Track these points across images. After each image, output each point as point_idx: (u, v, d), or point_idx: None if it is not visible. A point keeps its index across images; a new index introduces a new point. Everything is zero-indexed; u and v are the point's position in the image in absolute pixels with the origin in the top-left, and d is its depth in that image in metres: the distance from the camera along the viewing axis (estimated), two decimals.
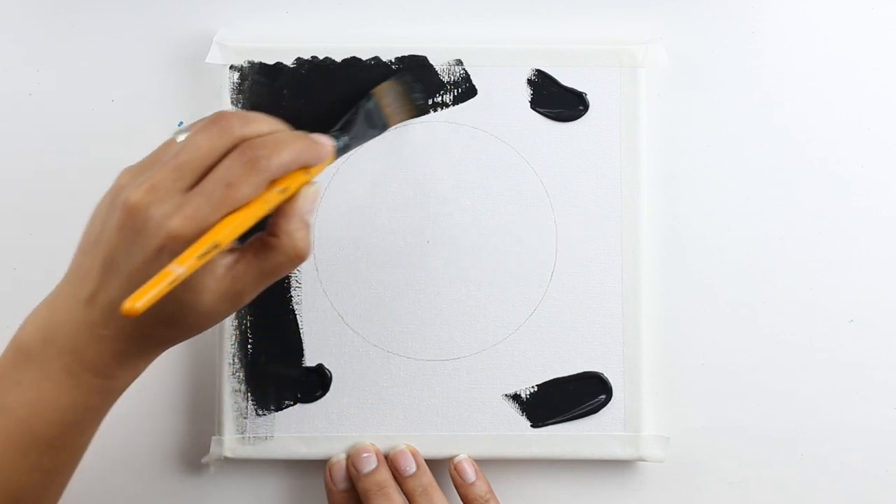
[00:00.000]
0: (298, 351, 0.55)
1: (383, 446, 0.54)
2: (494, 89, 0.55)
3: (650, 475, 0.56)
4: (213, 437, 0.54)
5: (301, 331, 0.55)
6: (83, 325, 0.42)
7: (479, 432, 0.54)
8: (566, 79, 0.55)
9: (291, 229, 0.43)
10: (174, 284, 0.39)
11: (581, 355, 0.55)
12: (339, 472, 0.53)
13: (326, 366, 0.55)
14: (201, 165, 0.41)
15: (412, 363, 0.55)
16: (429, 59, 0.56)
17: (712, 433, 0.56)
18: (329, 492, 0.53)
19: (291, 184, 0.43)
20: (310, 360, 0.55)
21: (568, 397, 0.54)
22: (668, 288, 0.56)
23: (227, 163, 0.41)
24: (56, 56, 0.57)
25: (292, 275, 0.55)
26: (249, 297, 0.43)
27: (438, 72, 0.55)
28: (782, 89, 0.57)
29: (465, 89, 0.55)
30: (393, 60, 0.55)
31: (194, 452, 0.55)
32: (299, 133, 0.44)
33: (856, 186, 0.57)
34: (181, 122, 0.57)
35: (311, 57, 0.55)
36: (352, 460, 0.53)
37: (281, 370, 0.54)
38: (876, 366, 0.56)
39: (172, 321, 0.42)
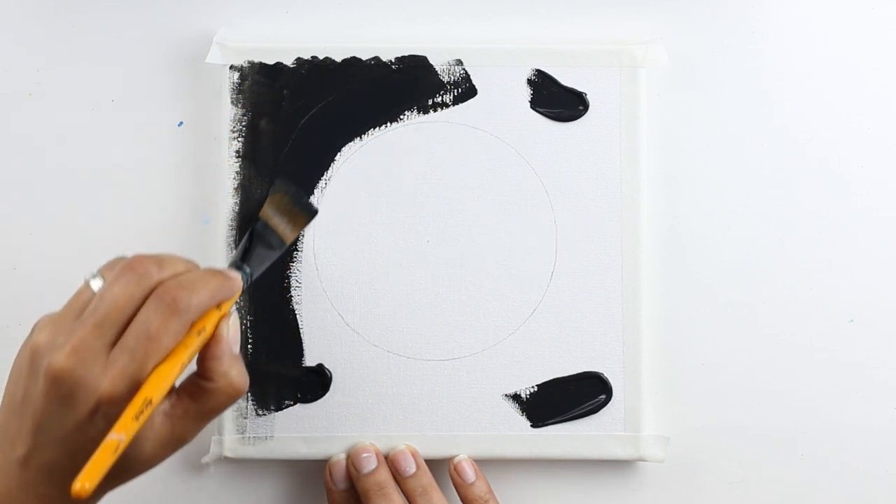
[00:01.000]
0: (298, 351, 0.55)
1: (383, 446, 0.54)
2: (494, 89, 0.55)
3: (650, 475, 0.56)
4: (213, 437, 0.54)
5: (301, 331, 0.55)
6: (20, 485, 0.41)
7: (479, 432, 0.54)
8: (566, 79, 0.55)
9: (224, 370, 0.43)
10: (119, 453, 0.39)
11: (581, 355, 0.55)
12: (339, 472, 0.53)
13: (326, 366, 0.55)
14: (121, 318, 0.41)
15: (412, 363, 0.55)
16: (429, 59, 0.56)
17: (712, 433, 0.56)
18: (329, 491, 0.53)
19: (208, 323, 0.43)
20: (310, 360, 0.55)
21: (568, 397, 0.54)
22: (668, 288, 0.56)
23: (146, 312, 0.41)
24: (56, 56, 0.57)
25: (292, 275, 0.55)
26: (192, 438, 0.44)
27: (438, 72, 0.55)
28: (782, 89, 0.57)
29: (465, 89, 0.55)
30: (393, 60, 0.55)
31: (194, 452, 0.55)
32: (210, 270, 0.44)
33: (856, 186, 0.57)
34: (181, 122, 0.57)
35: (311, 57, 0.55)
36: (352, 460, 0.53)
37: (281, 370, 0.54)
38: (876, 366, 0.56)
39: (115, 473, 0.41)
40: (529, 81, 0.55)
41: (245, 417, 0.54)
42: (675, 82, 0.57)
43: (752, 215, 0.57)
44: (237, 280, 0.46)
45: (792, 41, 0.57)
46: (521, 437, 0.54)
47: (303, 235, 0.55)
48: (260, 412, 0.54)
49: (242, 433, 0.54)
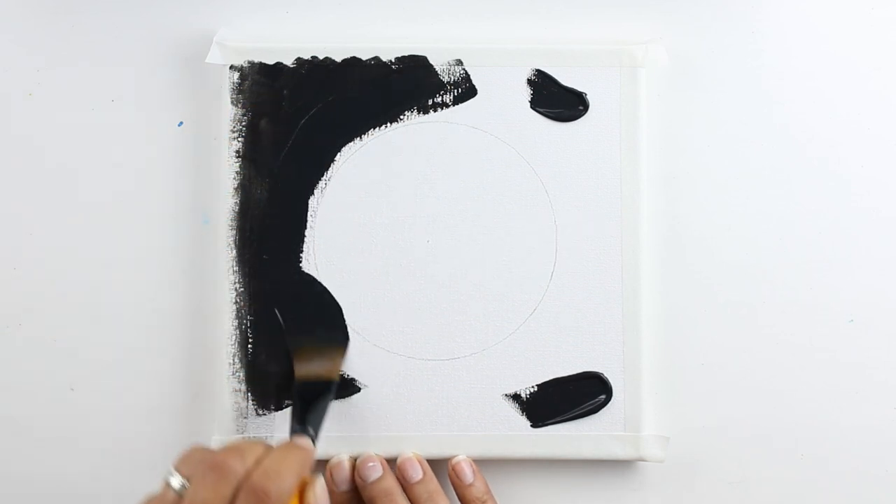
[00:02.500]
0: None
1: (383, 446, 0.54)
2: (494, 89, 0.55)
3: (650, 475, 0.56)
4: (214, 437, 0.54)
5: None
6: None
7: (479, 432, 0.54)
8: (566, 79, 0.56)
9: None
10: None
11: (581, 355, 0.55)
12: (341, 474, 0.53)
13: None
14: None
15: (412, 363, 0.55)
16: (429, 59, 0.56)
17: (712, 433, 0.56)
18: (329, 493, 0.53)
19: (294, 500, 0.44)
20: None
21: (568, 397, 0.55)
22: (668, 288, 0.56)
23: None
24: (56, 56, 0.57)
25: None
26: None
27: (438, 72, 0.55)
28: (782, 89, 0.57)
29: (465, 89, 0.56)
30: (393, 60, 0.55)
31: None
32: (286, 448, 0.45)
33: (856, 186, 0.57)
34: (181, 122, 0.57)
35: (311, 57, 0.55)
36: (358, 471, 0.53)
37: (281, 370, 0.54)
38: (876, 366, 0.56)
39: None
40: (529, 81, 0.55)
41: (245, 417, 0.54)
42: (675, 82, 0.57)
43: (752, 215, 0.57)
44: (313, 449, 0.46)
45: (792, 41, 0.57)
46: (521, 437, 0.54)
47: (304, 239, 0.55)
48: (260, 412, 0.54)
49: (242, 433, 0.54)
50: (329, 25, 0.57)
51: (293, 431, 0.49)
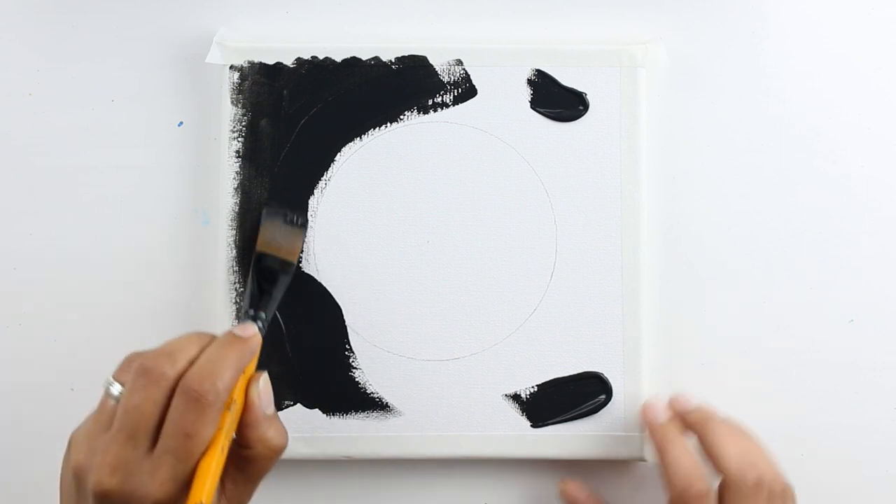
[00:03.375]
0: None
1: (382, 447, 0.54)
2: (494, 89, 0.55)
3: (650, 475, 0.56)
4: None
5: None
6: None
7: (479, 432, 0.54)
8: (566, 79, 0.55)
9: (260, 435, 0.44)
10: None
11: (581, 355, 0.55)
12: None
13: None
14: (150, 424, 0.41)
15: (412, 363, 0.55)
16: (429, 59, 0.56)
17: None
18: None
19: (236, 394, 0.43)
20: None
21: (568, 397, 0.54)
22: (668, 288, 0.56)
23: (175, 412, 0.41)
24: (56, 56, 0.57)
25: None
26: (249, 500, 0.44)
27: (438, 72, 0.55)
28: (782, 89, 0.57)
29: (465, 89, 0.55)
30: (393, 60, 0.55)
31: None
32: (224, 340, 0.44)
33: (856, 186, 0.57)
34: (181, 122, 0.57)
35: (311, 57, 0.55)
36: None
37: (281, 370, 0.54)
38: (876, 366, 0.56)
39: None
40: (529, 81, 0.55)
41: None
42: (675, 82, 0.57)
43: (752, 215, 0.57)
44: (255, 338, 0.45)
45: (792, 41, 0.57)
46: (521, 437, 0.54)
47: (305, 241, 0.55)
48: None
49: None
50: (329, 25, 0.57)
51: (243, 315, 0.49)
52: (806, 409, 0.56)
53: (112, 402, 0.43)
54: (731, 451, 0.48)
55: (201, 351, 0.43)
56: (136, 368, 0.42)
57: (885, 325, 0.56)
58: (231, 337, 0.44)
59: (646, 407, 0.53)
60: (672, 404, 0.53)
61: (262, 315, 0.49)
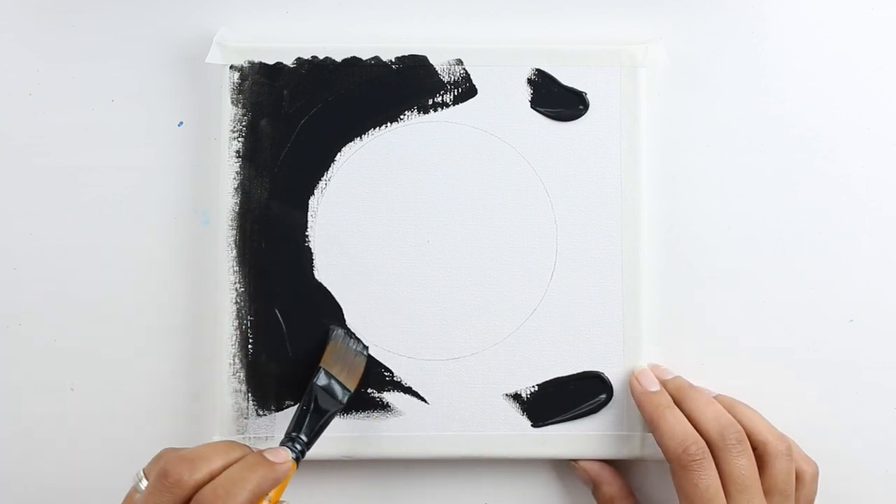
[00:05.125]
0: None
1: (383, 446, 0.54)
2: (494, 89, 0.55)
3: (650, 475, 0.56)
4: (214, 438, 0.54)
5: None
6: None
7: (480, 432, 0.54)
8: (566, 78, 0.56)
9: None
10: None
11: (581, 355, 0.55)
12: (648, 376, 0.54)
13: None
14: None
15: (412, 363, 0.55)
16: (429, 59, 0.56)
17: None
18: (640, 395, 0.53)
19: None
20: None
21: (568, 397, 0.54)
22: (668, 288, 0.56)
23: None
24: (56, 56, 0.57)
25: None
26: None
27: (438, 72, 0.55)
28: (782, 89, 0.57)
29: (465, 89, 0.55)
30: (393, 60, 0.55)
31: None
32: (251, 460, 0.43)
33: (856, 186, 0.57)
34: (181, 122, 0.57)
35: (311, 57, 0.55)
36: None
37: (281, 370, 0.54)
38: (876, 366, 0.56)
39: None
40: (529, 81, 0.55)
41: (245, 418, 0.54)
42: (675, 82, 0.57)
43: (752, 215, 0.57)
44: (283, 464, 0.45)
45: (792, 41, 0.57)
46: (521, 436, 0.54)
47: (305, 239, 0.55)
48: (260, 412, 0.54)
49: (243, 433, 0.54)
50: (329, 25, 0.57)
51: (285, 436, 0.48)
52: (805, 409, 0.56)
53: (137, 496, 0.44)
54: (708, 415, 0.51)
55: (226, 465, 0.43)
56: (157, 470, 0.43)
57: (885, 325, 0.56)
58: (259, 458, 0.44)
59: (638, 375, 0.54)
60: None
61: (303, 439, 0.48)
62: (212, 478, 0.42)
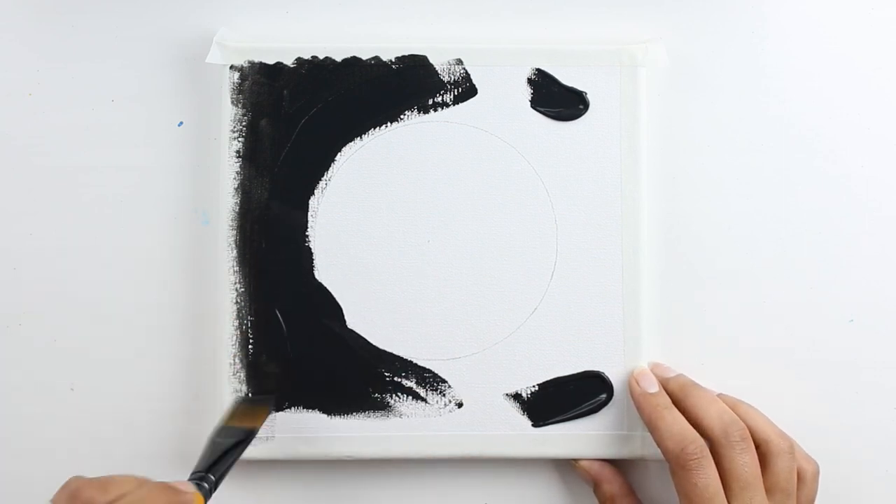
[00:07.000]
0: None
1: (383, 447, 0.54)
2: (494, 89, 0.55)
3: (650, 475, 0.56)
4: None
5: None
6: None
7: (480, 432, 0.54)
8: (566, 78, 0.56)
9: None
10: None
11: (581, 355, 0.55)
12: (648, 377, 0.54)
13: None
14: None
15: (412, 363, 0.55)
16: (429, 58, 0.56)
17: None
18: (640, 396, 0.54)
19: None
20: None
21: (568, 397, 0.54)
22: (668, 287, 0.56)
23: None
24: (56, 56, 0.57)
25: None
26: None
27: (438, 72, 0.55)
28: (782, 89, 0.57)
29: (465, 89, 0.56)
30: (393, 60, 0.55)
31: (194, 452, 0.55)
32: (160, 487, 0.43)
33: (856, 186, 0.57)
34: (181, 122, 0.57)
35: (311, 57, 0.55)
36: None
37: (281, 370, 0.54)
38: (876, 366, 0.56)
39: None
40: (530, 81, 0.56)
41: None
42: (675, 82, 0.57)
43: (752, 215, 0.57)
44: (189, 494, 0.44)
45: (792, 41, 0.57)
46: (521, 436, 0.54)
47: (305, 239, 0.55)
48: None
49: None
50: (329, 25, 0.57)
51: (191, 475, 0.47)
52: (806, 409, 0.56)
53: None
54: (711, 413, 0.51)
55: (135, 489, 0.43)
56: (67, 493, 0.42)
57: (885, 325, 0.56)
58: (166, 487, 0.44)
59: (637, 376, 0.54)
60: (653, 372, 0.54)
61: (211, 478, 0.47)
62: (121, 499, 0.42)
